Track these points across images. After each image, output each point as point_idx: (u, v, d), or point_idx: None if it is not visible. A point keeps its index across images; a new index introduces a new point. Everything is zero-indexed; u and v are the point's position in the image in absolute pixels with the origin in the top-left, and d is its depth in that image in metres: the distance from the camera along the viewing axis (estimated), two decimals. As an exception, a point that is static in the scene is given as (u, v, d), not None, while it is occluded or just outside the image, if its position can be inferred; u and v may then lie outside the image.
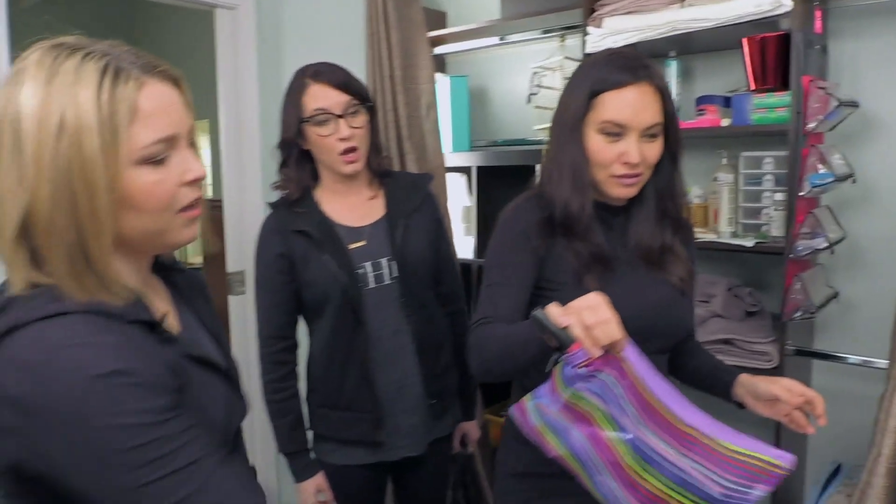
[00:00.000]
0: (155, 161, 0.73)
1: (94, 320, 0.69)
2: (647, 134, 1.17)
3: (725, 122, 1.91)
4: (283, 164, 1.60)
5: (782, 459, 0.86)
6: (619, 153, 1.17)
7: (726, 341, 1.90)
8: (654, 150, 1.20)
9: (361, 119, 1.54)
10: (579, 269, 1.20)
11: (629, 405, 0.92)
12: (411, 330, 1.60)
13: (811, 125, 1.66)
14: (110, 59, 0.72)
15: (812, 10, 1.74)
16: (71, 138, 0.68)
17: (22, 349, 0.66)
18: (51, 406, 0.65)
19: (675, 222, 1.29)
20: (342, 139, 1.50)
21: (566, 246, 1.21)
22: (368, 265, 1.56)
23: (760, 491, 0.87)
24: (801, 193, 1.69)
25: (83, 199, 0.69)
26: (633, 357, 0.92)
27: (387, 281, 1.58)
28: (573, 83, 1.24)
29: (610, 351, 0.91)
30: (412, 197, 1.65)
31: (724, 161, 1.98)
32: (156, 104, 0.73)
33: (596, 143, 1.18)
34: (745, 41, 1.84)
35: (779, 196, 1.85)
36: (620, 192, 1.21)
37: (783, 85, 1.78)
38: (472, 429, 1.83)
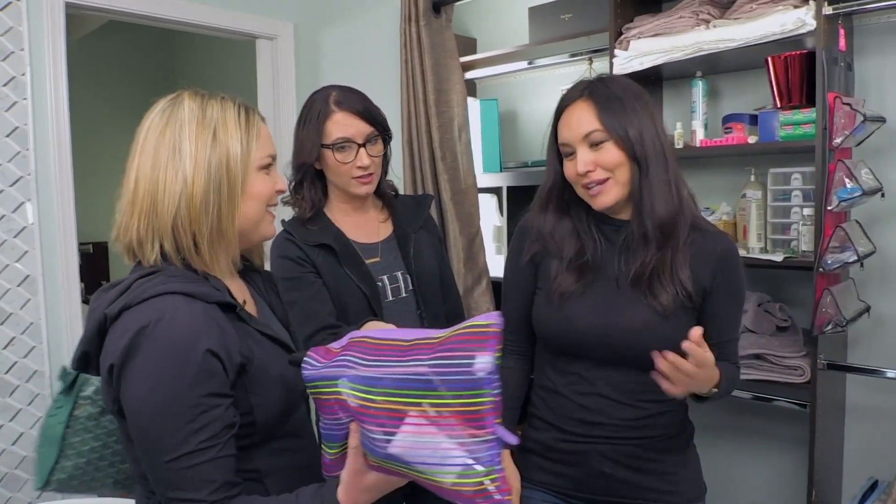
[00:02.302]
0: (266, 169, 1.08)
1: (184, 301, 0.95)
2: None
3: (752, 140, 1.94)
4: (299, 184, 1.62)
5: (489, 318, 0.84)
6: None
7: (757, 356, 1.91)
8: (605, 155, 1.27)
9: (379, 147, 1.60)
10: (556, 274, 1.32)
11: (353, 359, 0.94)
12: None
13: (837, 141, 1.69)
14: (237, 102, 1.06)
15: (836, 29, 1.76)
16: (222, 145, 1.01)
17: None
18: (136, 365, 0.92)
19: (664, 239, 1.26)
20: (360, 166, 1.55)
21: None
22: (385, 278, 1.61)
23: (485, 358, 0.82)
24: (829, 208, 1.70)
25: (225, 186, 1.01)
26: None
27: (403, 294, 1.62)
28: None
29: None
30: (416, 216, 1.71)
31: (752, 178, 2.01)
32: (266, 133, 1.09)
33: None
34: (770, 60, 1.88)
35: (807, 211, 1.87)
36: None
37: (809, 102, 1.81)
38: None
